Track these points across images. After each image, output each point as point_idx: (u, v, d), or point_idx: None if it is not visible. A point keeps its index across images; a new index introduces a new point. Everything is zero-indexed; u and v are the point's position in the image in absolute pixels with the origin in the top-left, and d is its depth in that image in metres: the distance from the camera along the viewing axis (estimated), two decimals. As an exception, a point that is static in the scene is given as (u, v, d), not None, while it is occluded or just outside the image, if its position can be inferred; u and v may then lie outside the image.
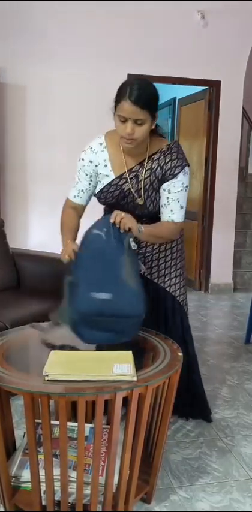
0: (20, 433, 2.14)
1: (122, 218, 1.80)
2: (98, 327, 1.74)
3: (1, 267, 3.15)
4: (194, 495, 1.94)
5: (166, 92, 6.78)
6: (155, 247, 2.22)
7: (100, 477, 1.63)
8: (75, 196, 2.14)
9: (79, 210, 2.16)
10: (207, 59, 5.05)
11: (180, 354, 1.80)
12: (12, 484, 1.72)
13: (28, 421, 1.53)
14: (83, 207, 2.17)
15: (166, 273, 2.24)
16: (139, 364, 1.68)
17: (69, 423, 1.84)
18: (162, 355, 1.77)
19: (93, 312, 1.72)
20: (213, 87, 5.20)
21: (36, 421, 1.59)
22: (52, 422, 1.60)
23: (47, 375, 1.54)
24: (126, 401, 1.56)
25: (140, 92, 1.82)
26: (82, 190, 2.12)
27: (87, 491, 1.63)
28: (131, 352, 1.69)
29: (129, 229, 1.82)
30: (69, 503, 1.62)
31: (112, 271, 1.76)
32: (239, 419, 2.57)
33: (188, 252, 5.72)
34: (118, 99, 1.88)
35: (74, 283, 1.77)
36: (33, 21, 4.57)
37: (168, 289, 2.26)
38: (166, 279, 2.25)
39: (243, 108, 5.39)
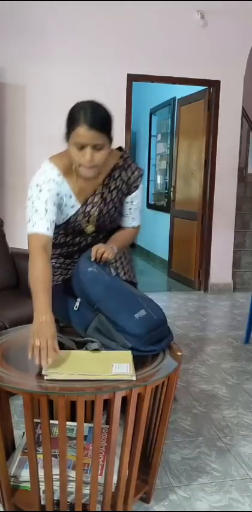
0: (19, 432, 2.15)
1: (100, 251, 1.84)
2: (151, 341, 1.74)
3: (0, 267, 3.15)
4: (193, 495, 1.95)
5: (165, 92, 6.80)
6: None
7: (99, 477, 1.63)
8: (48, 229, 1.79)
9: (50, 250, 1.82)
10: (206, 59, 5.06)
11: (179, 353, 1.80)
12: (11, 483, 1.72)
13: (27, 420, 1.53)
14: (51, 242, 1.85)
15: (124, 264, 2.19)
16: (138, 364, 1.69)
17: (68, 423, 1.85)
18: (161, 355, 1.77)
19: (147, 329, 1.74)
20: (212, 87, 5.21)
21: (36, 420, 1.59)
22: (51, 421, 1.60)
23: (46, 375, 1.54)
24: (125, 401, 1.56)
25: (95, 115, 1.73)
26: (53, 221, 1.82)
27: (86, 490, 1.63)
28: (130, 351, 1.69)
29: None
30: (68, 502, 1.62)
31: (124, 293, 1.84)
32: (238, 419, 2.58)
33: (187, 252, 5.76)
34: (72, 126, 1.75)
35: (109, 317, 1.76)
36: (33, 21, 4.57)
37: (133, 279, 2.21)
38: (126, 270, 2.19)
39: (242, 108, 5.39)
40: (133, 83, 4.96)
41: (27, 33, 4.57)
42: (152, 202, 7.89)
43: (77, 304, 1.85)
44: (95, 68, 4.78)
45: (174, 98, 6.61)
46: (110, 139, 1.82)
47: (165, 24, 4.90)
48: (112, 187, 1.95)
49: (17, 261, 3.26)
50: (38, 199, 1.82)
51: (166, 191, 7.19)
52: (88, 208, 1.93)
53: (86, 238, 2.00)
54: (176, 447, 2.28)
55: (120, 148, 2.02)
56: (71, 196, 1.90)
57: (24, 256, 3.37)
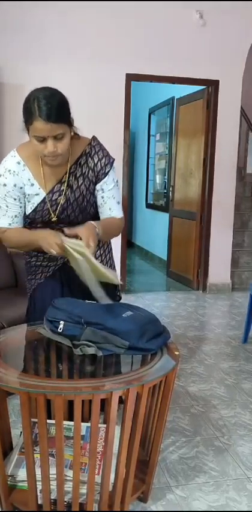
0: (16, 432, 2.14)
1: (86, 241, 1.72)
2: (148, 337, 1.74)
3: (-1, 266, 3.15)
4: (191, 494, 1.95)
5: (164, 92, 6.81)
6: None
7: (96, 476, 1.63)
8: (10, 224, 1.90)
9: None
10: (205, 59, 5.06)
11: (177, 352, 1.80)
12: (8, 483, 1.72)
13: (24, 420, 1.53)
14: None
15: (106, 253, 2.17)
16: (136, 363, 1.69)
17: (66, 422, 1.85)
18: (159, 354, 1.77)
19: (137, 324, 1.74)
20: (211, 86, 5.21)
21: (33, 420, 1.59)
22: (49, 421, 1.60)
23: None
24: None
25: (49, 106, 1.68)
26: (16, 216, 1.90)
27: (83, 490, 1.63)
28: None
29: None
30: (65, 502, 1.62)
31: (106, 305, 1.83)
32: (236, 419, 2.58)
33: (186, 251, 5.76)
34: (28, 120, 1.71)
35: (97, 322, 1.76)
36: (32, 21, 4.57)
37: (113, 269, 2.17)
38: (108, 258, 2.17)
39: (241, 108, 5.39)
40: (132, 82, 4.96)
41: (26, 33, 4.56)
42: (151, 202, 7.89)
43: (61, 326, 1.79)
44: (94, 67, 4.78)
45: (173, 98, 6.61)
46: (70, 124, 1.79)
47: (164, 23, 4.90)
48: (78, 175, 1.91)
49: (15, 261, 3.26)
50: (0, 196, 1.87)
51: (165, 191, 7.19)
52: (55, 196, 1.89)
53: (61, 228, 1.92)
54: (173, 446, 2.28)
55: (92, 137, 1.97)
56: (32, 184, 1.88)
57: (22, 255, 3.40)
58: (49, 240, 1.76)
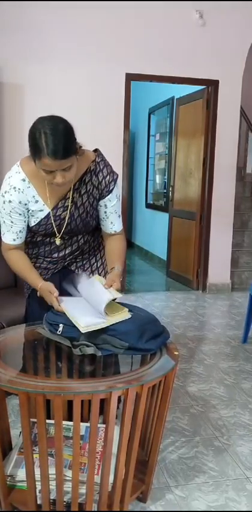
0: (16, 432, 2.14)
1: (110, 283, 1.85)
2: (147, 337, 1.74)
3: (-2, 266, 3.15)
4: (190, 494, 1.95)
5: (164, 91, 6.80)
6: (85, 248, 2.12)
7: (96, 476, 1.63)
8: (14, 240, 1.95)
9: (21, 249, 2.01)
10: (205, 58, 5.06)
11: (176, 352, 1.80)
12: (7, 483, 1.72)
13: (23, 420, 1.53)
14: (23, 244, 2.02)
15: (99, 265, 2.21)
16: (135, 363, 1.69)
17: (65, 422, 1.85)
18: (158, 354, 1.77)
19: (137, 324, 1.75)
20: (211, 86, 5.21)
21: (32, 420, 1.59)
22: (48, 421, 1.60)
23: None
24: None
25: (56, 143, 1.66)
26: (20, 231, 1.94)
27: (82, 490, 1.63)
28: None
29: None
30: (64, 502, 1.62)
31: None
32: (235, 419, 2.58)
33: (186, 251, 5.76)
34: (36, 155, 1.71)
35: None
36: (32, 21, 4.57)
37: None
38: (100, 270, 2.20)
39: (241, 108, 5.39)
40: (132, 82, 4.95)
41: (25, 32, 4.56)
42: (151, 202, 7.89)
43: (60, 328, 1.80)
44: (94, 67, 4.78)
45: (172, 98, 6.61)
46: (76, 151, 1.78)
47: (164, 23, 4.90)
48: (82, 192, 1.93)
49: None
50: (3, 210, 1.91)
51: (165, 191, 7.19)
52: (59, 212, 1.92)
53: (63, 237, 2.00)
54: (173, 446, 2.28)
55: (96, 151, 1.98)
56: (37, 201, 1.90)
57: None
58: (48, 298, 1.89)
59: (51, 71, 4.67)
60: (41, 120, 1.75)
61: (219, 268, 5.50)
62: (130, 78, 4.93)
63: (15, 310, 2.69)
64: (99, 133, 4.34)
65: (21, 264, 1.98)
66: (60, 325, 1.80)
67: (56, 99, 4.69)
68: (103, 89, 4.86)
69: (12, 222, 1.91)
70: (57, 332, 1.80)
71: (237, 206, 5.61)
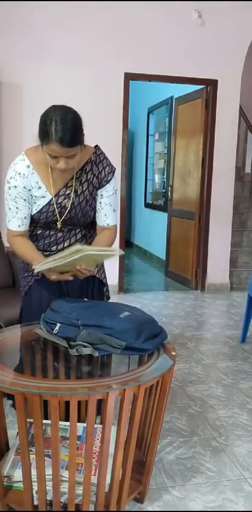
0: (13, 432, 2.14)
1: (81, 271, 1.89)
2: (145, 337, 1.74)
3: (-4, 266, 3.14)
4: (187, 495, 1.94)
5: (163, 91, 6.80)
6: (82, 243, 2.14)
7: (93, 477, 1.63)
8: (19, 226, 2.01)
9: (25, 235, 2.05)
10: (204, 58, 5.05)
11: (173, 353, 1.80)
12: (4, 483, 1.72)
13: (20, 420, 1.52)
14: (27, 231, 2.06)
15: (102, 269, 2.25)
16: (132, 363, 1.68)
17: (62, 422, 1.84)
18: (155, 354, 1.77)
19: (134, 324, 1.75)
20: (210, 86, 5.20)
21: (29, 420, 1.58)
22: (45, 421, 1.59)
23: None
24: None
25: (64, 131, 1.76)
26: (25, 217, 2.00)
27: (79, 491, 1.62)
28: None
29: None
30: (61, 502, 1.62)
31: (103, 305, 1.97)
32: (233, 419, 2.57)
33: (184, 251, 5.76)
34: (44, 140, 1.80)
35: (95, 325, 1.76)
36: (30, 20, 4.56)
37: (103, 280, 2.23)
38: (99, 269, 2.21)
39: (240, 107, 5.39)
40: (130, 81, 4.95)
41: (24, 32, 4.55)
42: (150, 202, 7.89)
43: (57, 328, 1.80)
44: (92, 66, 4.77)
45: (171, 97, 6.60)
46: (82, 141, 1.87)
47: (163, 23, 4.89)
48: (83, 180, 2.02)
49: (13, 260, 3.25)
50: (9, 196, 1.98)
51: (164, 190, 7.18)
52: (60, 200, 2.00)
53: (62, 230, 2.06)
54: (170, 447, 2.28)
55: (95, 146, 2.07)
56: (40, 187, 1.98)
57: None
58: (48, 273, 1.94)
59: (50, 70, 4.67)
60: (53, 108, 1.85)
61: (218, 268, 5.50)
62: (129, 77, 4.92)
63: (12, 310, 2.67)
64: (98, 133, 4.31)
65: (25, 248, 2.03)
66: (57, 324, 1.81)
67: (55, 99, 4.64)
68: (102, 88, 4.85)
69: (17, 208, 1.98)
70: (54, 331, 1.80)
71: (236, 206, 5.60)
